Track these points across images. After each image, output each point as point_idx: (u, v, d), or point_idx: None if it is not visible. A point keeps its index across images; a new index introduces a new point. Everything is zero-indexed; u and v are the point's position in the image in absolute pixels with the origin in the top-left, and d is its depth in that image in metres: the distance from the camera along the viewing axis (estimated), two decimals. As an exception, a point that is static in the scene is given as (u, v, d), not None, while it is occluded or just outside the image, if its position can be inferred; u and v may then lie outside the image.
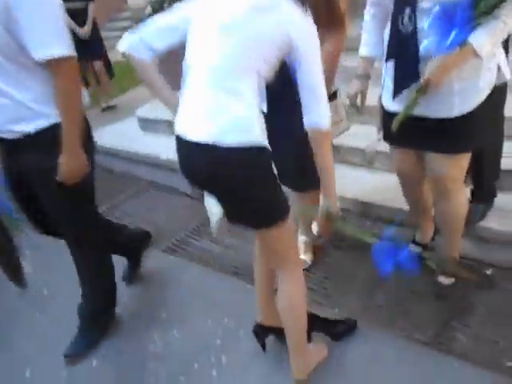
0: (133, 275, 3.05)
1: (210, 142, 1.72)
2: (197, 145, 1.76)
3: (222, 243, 3.30)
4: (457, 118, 2.08)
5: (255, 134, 1.75)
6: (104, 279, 2.64)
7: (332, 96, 2.34)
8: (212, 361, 2.42)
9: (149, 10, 4.81)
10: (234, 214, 1.96)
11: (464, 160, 2.22)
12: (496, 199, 2.88)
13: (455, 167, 2.22)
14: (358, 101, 2.35)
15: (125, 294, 2.89)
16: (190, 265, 3.16)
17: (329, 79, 1.99)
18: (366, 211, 3.20)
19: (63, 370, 2.52)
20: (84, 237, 2.47)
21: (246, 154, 1.74)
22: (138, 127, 5.18)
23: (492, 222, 2.77)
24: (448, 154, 2.17)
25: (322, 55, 1.78)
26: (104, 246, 2.63)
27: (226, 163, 1.74)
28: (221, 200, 1.93)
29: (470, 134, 2.14)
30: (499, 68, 2.12)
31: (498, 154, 2.67)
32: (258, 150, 1.76)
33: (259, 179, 1.81)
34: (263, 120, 1.83)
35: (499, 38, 1.95)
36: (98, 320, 2.66)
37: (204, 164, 1.77)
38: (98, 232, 2.56)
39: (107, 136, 5.19)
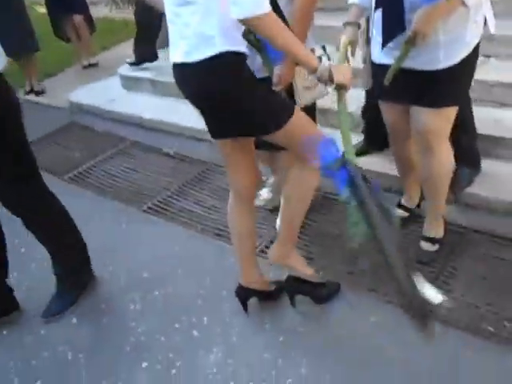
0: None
1: (182, 61, 1.76)
2: (176, 66, 1.81)
3: (204, 204, 3.25)
4: (442, 71, 2.05)
5: (218, 42, 1.68)
6: (66, 242, 2.54)
7: None
8: (193, 321, 2.39)
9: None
10: (228, 127, 1.91)
11: (448, 114, 2.19)
12: (483, 166, 2.86)
13: (439, 121, 2.18)
14: (349, 52, 2.22)
15: (105, 255, 2.84)
16: (171, 225, 3.11)
17: (301, 38, 1.89)
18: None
19: (41, 328, 2.48)
20: (31, 215, 2.36)
21: (213, 65, 1.71)
22: (121, 86, 5.06)
23: (479, 189, 2.77)
24: (432, 107, 2.14)
25: (293, 11, 1.73)
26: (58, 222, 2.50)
27: (199, 78, 1.76)
28: (212, 117, 1.91)
29: (454, 87, 2.12)
30: (485, 21, 2.08)
31: (466, 111, 2.63)
32: (224, 57, 1.70)
33: (236, 87, 1.76)
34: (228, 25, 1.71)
35: None
36: (73, 279, 2.59)
37: (184, 83, 1.84)
38: (48, 206, 2.43)
39: (88, 94, 5.07)
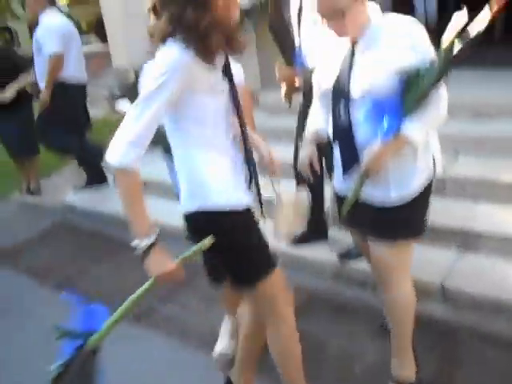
0: None
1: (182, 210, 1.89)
2: None
3: (190, 309, 3.17)
4: (394, 208, 2.03)
5: (207, 196, 1.81)
6: None
7: None
8: None
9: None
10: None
11: (403, 250, 2.11)
12: (470, 261, 2.88)
13: (393, 256, 2.10)
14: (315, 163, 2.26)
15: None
16: (155, 333, 3.03)
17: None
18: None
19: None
20: None
21: (196, 220, 1.87)
22: (114, 185, 5.07)
23: (465, 285, 2.75)
24: (383, 239, 2.09)
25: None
26: None
27: (188, 227, 1.92)
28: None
29: (405, 223, 2.07)
30: (434, 160, 2.08)
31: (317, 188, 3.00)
32: (212, 215, 1.82)
33: (221, 244, 1.85)
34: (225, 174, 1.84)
35: (433, 126, 1.97)
36: None
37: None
38: None
39: (82, 195, 5.09)
